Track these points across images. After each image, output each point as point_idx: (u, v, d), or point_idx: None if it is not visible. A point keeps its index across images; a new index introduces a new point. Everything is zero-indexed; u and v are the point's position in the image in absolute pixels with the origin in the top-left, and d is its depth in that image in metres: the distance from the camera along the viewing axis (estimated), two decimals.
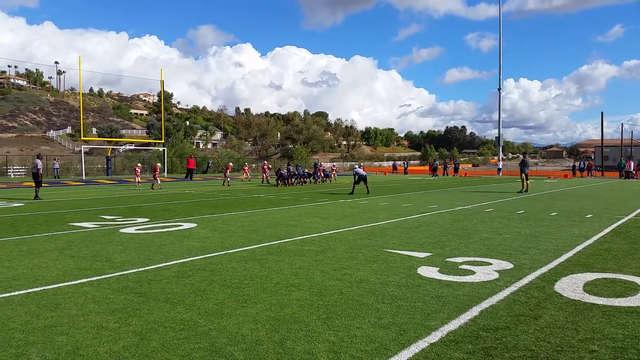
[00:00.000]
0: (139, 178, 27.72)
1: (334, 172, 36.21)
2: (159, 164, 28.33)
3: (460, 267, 6.54)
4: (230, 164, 33.27)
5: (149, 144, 66.20)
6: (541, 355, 3.67)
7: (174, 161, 48.55)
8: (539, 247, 8.01)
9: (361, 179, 22.19)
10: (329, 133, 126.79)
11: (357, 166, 25.76)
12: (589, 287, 5.51)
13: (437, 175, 46.58)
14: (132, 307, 4.83)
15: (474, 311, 4.66)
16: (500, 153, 52.11)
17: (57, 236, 9.40)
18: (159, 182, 25.46)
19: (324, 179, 33.20)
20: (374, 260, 6.99)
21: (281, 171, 29.04)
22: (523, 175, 22.33)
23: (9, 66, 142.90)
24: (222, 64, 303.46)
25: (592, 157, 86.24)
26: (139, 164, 32.06)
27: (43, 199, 18.26)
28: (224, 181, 29.65)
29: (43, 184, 22.85)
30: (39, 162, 19.46)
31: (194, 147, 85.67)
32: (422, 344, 3.86)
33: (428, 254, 7.41)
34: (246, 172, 35.83)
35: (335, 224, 11.08)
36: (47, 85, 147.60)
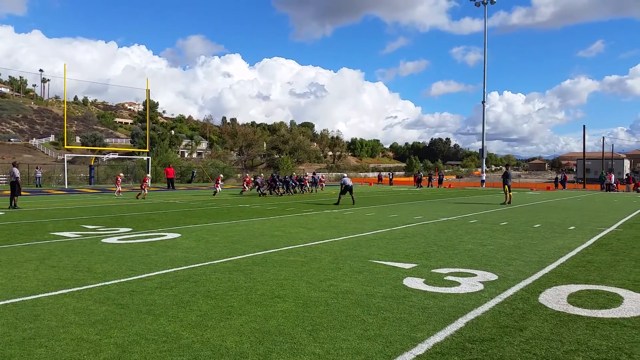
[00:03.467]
0: (119, 187, 27.43)
1: (322, 182, 36.16)
2: (148, 175, 28.19)
3: (445, 278, 6.55)
4: (221, 175, 32.80)
5: (133, 153, 65.64)
6: None
7: (158, 170, 48.11)
8: (523, 259, 8.05)
9: (347, 189, 22.22)
10: (315, 144, 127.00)
11: (344, 176, 25.60)
12: (573, 299, 5.54)
13: (421, 186, 46.83)
14: (114, 319, 4.73)
15: (460, 322, 4.65)
16: (484, 165, 52.59)
17: (37, 246, 9.22)
18: (145, 192, 25.20)
19: (310, 189, 33.18)
20: (360, 271, 6.97)
21: (257, 179, 29.06)
22: (506, 187, 22.53)
23: None
24: (210, 74, 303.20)
25: (575, 170, 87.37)
26: (121, 174, 31.75)
27: (23, 208, 17.92)
28: (215, 192, 28.95)
29: (23, 193, 22.47)
30: (16, 170, 18.69)
31: (178, 156, 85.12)
32: (408, 356, 3.84)
33: (414, 265, 7.41)
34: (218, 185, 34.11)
35: (321, 234, 11.05)
36: (31, 93, 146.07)
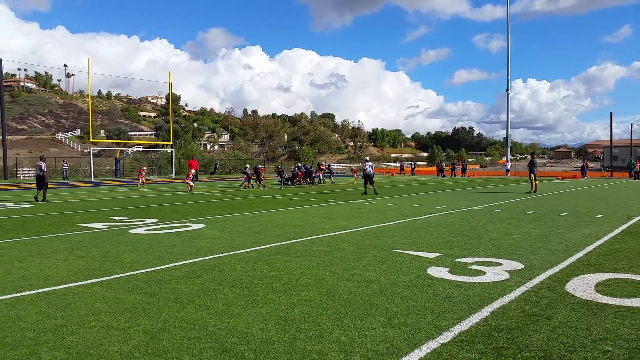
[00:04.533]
0: (142, 179, 28.05)
1: (320, 173, 34.50)
2: (144, 168, 29.41)
3: (470, 267, 6.50)
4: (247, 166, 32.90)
5: (157, 146, 66.47)
6: (554, 355, 3.63)
7: (182, 163, 48.64)
8: (549, 248, 7.94)
9: (366, 178, 21.32)
10: (336, 134, 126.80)
11: (366, 160, 23.33)
12: (601, 288, 5.46)
13: (444, 176, 46.44)
14: (142, 307, 4.83)
15: (485, 311, 4.62)
16: (509, 154, 51.87)
17: (66, 237, 9.44)
18: (141, 182, 26.18)
19: (322, 179, 32.90)
20: (383, 261, 6.97)
21: (280, 169, 29.25)
22: (532, 175, 22.19)
23: (18, 69, 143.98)
24: (230, 66, 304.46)
25: (601, 158, 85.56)
26: (144, 167, 32.35)
27: (51, 201, 18.29)
28: (243, 184, 28.77)
29: (51, 185, 22.91)
30: (43, 164, 18.67)
31: (201, 148, 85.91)
32: (433, 344, 3.83)
33: (437, 255, 7.37)
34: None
35: (343, 224, 11.06)
36: (56, 88, 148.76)
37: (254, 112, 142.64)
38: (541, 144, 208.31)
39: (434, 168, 49.11)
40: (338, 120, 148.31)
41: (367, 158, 24.75)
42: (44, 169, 18.61)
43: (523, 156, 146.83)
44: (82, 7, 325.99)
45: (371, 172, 21.50)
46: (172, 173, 44.48)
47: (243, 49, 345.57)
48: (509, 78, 50.28)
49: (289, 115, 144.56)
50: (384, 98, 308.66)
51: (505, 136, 51.52)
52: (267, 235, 9.52)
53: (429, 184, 30.75)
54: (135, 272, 6.36)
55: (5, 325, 4.33)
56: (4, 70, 43.84)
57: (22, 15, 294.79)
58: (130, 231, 10.11)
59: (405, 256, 7.30)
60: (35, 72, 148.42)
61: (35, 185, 18.91)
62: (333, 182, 32.72)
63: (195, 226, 10.83)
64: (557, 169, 71.45)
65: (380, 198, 19.02)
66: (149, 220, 12.00)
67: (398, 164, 77.62)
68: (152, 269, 6.57)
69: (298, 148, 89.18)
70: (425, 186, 28.37)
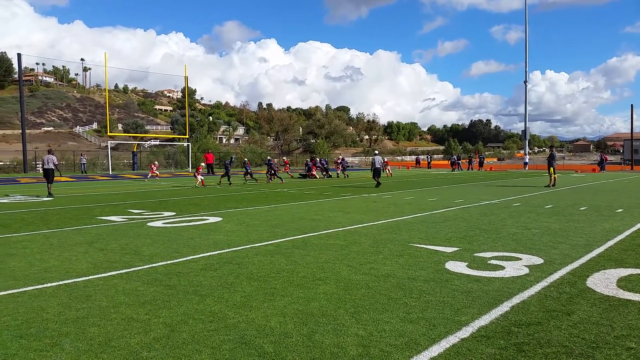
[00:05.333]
0: (155, 173, 28.48)
1: (315, 169, 34.54)
2: (156, 162, 29.96)
3: (489, 262, 6.45)
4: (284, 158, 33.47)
5: (173, 140, 66.96)
6: (576, 351, 3.58)
7: (198, 156, 48.96)
8: (569, 242, 7.84)
9: (375, 172, 21.61)
10: (351, 127, 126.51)
11: (376, 153, 23.44)
12: (623, 283, 5.37)
13: (458, 169, 46.07)
14: (162, 299, 4.88)
15: (505, 306, 4.58)
16: (527, 147, 51.29)
17: (86, 230, 9.56)
18: (152, 174, 26.50)
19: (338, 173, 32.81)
20: (400, 255, 6.94)
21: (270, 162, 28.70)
22: (551, 169, 21.90)
23: (37, 64, 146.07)
24: (246, 59, 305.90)
25: (621, 151, 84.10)
26: (156, 162, 32.83)
27: (55, 196, 17.62)
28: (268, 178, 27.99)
29: (69, 179, 23.18)
30: (54, 157, 18.27)
31: (217, 142, 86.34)
32: (452, 339, 3.81)
33: (455, 249, 7.32)
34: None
35: (359, 218, 11.04)
36: (74, 82, 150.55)
37: (269, 105, 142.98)
38: (559, 137, 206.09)
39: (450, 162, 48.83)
40: (353, 113, 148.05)
41: (377, 152, 24.97)
42: (56, 162, 18.29)
43: (541, 149, 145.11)
44: (100, 1, 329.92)
45: (379, 166, 21.91)
46: (189, 166, 44.80)
47: (258, 42, 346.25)
48: (527, 70, 49.68)
49: (303, 108, 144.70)
50: (400, 91, 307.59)
51: (523, 129, 50.97)
52: (283, 228, 9.55)
53: (446, 178, 30.55)
54: (154, 265, 6.42)
55: (29, 316, 4.41)
56: (23, 65, 44.39)
57: (41, 10, 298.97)
58: (149, 224, 10.20)
59: (423, 250, 7.26)
60: (53, 66, 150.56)
61: (45, 179, 18.25)
62: (346, 177, 32.64)
63: (212, 219, 10.89)
64: (576, 163, 70.48)
65: (396, 192, 18.95)
66: (166, 214, 12.11)
67: (414, 157, 77.27)
68: (171, 261, 6.63)
69: (313, 141, 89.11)
70: (442, 180, 28.18)
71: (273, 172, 27.18)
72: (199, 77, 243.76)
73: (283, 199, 15.89)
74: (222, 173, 31.73)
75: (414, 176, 33.10)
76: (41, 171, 19.63)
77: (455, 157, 50.47)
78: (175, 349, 3.65)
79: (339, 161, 34.80)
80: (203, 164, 28.22)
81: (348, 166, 36.92)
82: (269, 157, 33.29)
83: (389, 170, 32.75)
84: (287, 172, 33.27)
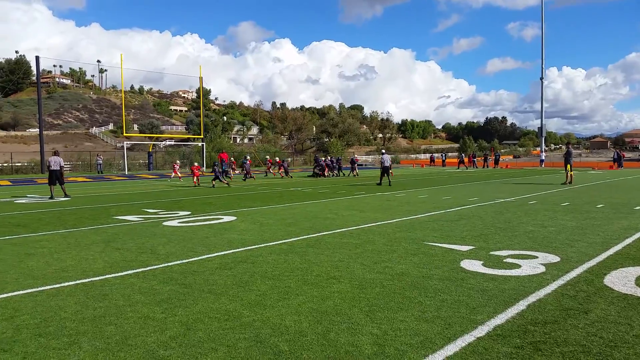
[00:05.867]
0: (178, 173, 28.56)
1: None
2: (178, 162, 30.08)
3: (505, 260, 6.39)
4: (267, 156, 33.68)
5: (188, 140, 67.41)
6: (594, 350, 3.54)
7: (212, 156, 49.21)
8: (586, 240, 7.75)
9: (384, 170, 21.96)
10: (365, 126, 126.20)
11: (383, 153, 23.77)
12: None
13: (473, 167, 45.71)
14: (178, 298, 4.92)
15: (521, 305, 4.54)
16: (543, 144, 50.76)
17: (102, 229, 9.67)
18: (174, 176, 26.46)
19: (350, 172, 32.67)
20: (415, 254, 6.91)
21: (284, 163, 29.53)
22: (568, 166, 21.62)
23: (54, 66, 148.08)
24: (260, 59, 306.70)
25: (639, 147, 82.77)
26: (177, 161, 32.98)
27: (56, 198, 17.05)
28: (266, 173, 30.34)
29: (85, 179, 23.38)
30: (60, 159, 17.91)
31: (231, 142, 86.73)
32: (468, 337, 3.79)
33: (471, 247, 7.27)
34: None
35: (373, 216, 11.01)
36: (90, 84, 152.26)
37: (283, 104, 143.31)
38: (576, 134, 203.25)
39: (465, 159, 48.33)
40: (367, 111, 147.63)
41: (384, 151, 25.59)
42: (62, 164, 18.01)
43: (557, 146, 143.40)
44: (116, 4, 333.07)
45: (388, 165, 22.28)
46: (203, 166, 45.05)
47: (272, 42, 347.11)
48: (543, 66, 49.14)
49: (317, 107, 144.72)
50: (414, 89, 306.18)
51: (539, 126, 50.42)
52: (297, 227, 9.56)
53: (460, 176, 30.34)
54: (170, 264, 6.47)
55: (47, 315, 4.47)
56: (41, 68, 45.01)
57: (59, 13, 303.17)
58: (164, 223, 10.29)
59: (438, 249, 7.22)
60: (70, 68, 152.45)
61: (49, 182, 17.63)
62: (356, 175, 32.47)
63: (226, 218, 10.95)
64: (593, 160, 69.53)
65: (410, 190, 18.87)
66: (182, 213, 12.19)
67: (428, 155, 76.83)
68: (186, 260, 6.67)
69: (326, 140, 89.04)
70: (457, 178, 28.00)
71: (246, 171, 27.95)
72: (214, 78, 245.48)
73: (297, 198, 15.91)
74: (273, 172, 32.21)
75: (428, 174, 32.94)
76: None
77: (462, 155, 49.92)
78: (191, 348, 3.68)
79: (357, 160, 34.77)
80: (196, 163, 28.55)
81: (360, 165, 36.86)
82: (246, 155, 33.09)
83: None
84: (269, 170, 33.17)
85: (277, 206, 13.56)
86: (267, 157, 37.10)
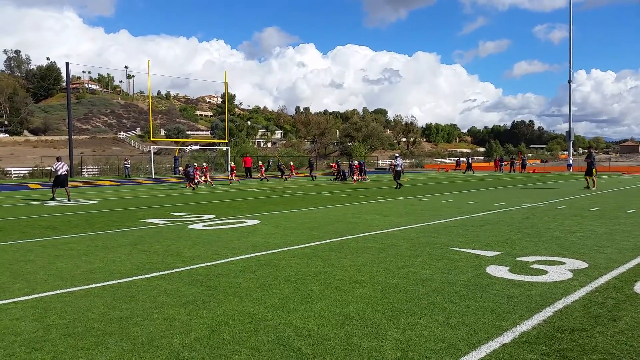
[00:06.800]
0: (207, 177, 28.88)
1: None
2: (196, 164, 30.35)
3: (531, 266, 6.29)
4: (291, 162, 33.85)
5: (213, 144, 68.12)
6: (623, 359, 3.46)
7: (237, 160, 49.69)
8: (616, 246, 7.57)
9: (396, 174, 22.19)
10: (388, 130, 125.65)
11: (396, 156, 23.92)
12: None
13: (499, 171, 45.07)
14: (203, 300, 4.98)
15: (548, 312, 4.46)
16: (571, 148, 49.80)
17: (129, 232, 9.84)
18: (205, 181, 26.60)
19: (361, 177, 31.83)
20: (439, 259, 6.85)
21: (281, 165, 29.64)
22: (594, 170, 21.06)
23: (83, 72, 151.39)
24: (284, 64, 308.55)
25: None
26: (204, 163, 33.32)
27: (57, 199, 18.01)
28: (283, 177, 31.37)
29: (113, 183, 23.73)
30: (65, 164, 18.83)
31: (255, 146, 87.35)
32: (493, 344, 3.74)
33: (497, 253, 7.18)
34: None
35: (397, 221, 10.96)
36: (118, 89, 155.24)
37: (306, 109, 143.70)
38: (605, 138, 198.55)
39: (492, 163, 47.49)
40: (390, 115, 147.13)
41: (397, 155, 25.54)
42: (68, 168, 18.93)
43: (586, 150, 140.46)
44: (144, 11, 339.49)
45: (400, 169, 22.52)
46: (228, 170, 45.43)
47: (297, 47, 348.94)
48: (571, 69, 48.32)
49: (340, 111, 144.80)
50: (439, 92, 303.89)
51: (567, 130, 49.51)
52: (320, 231, 9.57)
53: (487, 180, 29.96)
54: (195, 266, 6.55)
55: (76, 316, 4.57)
56: (70, 74, 46.09)
57: (89, 21, 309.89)
58: (190, 227, 10.42)
59: (463, 254, 7.15)
60: (99, 74, 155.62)
61: (53, 185, 18.60)
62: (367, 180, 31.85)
63: (250, 222, 11.03)
64: (623, 164, 67.85)
65: (434, 195, 18.72)
66: (206, 216, 12.33)
67: (453, 159, 76.05)
68: (211, 263, 6.75)
69: (350, 144, 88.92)
70: (483, 182, 27.66)
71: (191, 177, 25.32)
72: (239, 83, 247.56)
73: (320, 202, 15.93)
74: (259, 176, 32.44)
75: (454, 179, 32.62)
76: (86, 175, 20.01)
77: (467, 158, 48.87)
78: (216, 349, 3.72)
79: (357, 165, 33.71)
80: (195, 164, 28.90)
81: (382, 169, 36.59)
82: (194, 164, 31.77)
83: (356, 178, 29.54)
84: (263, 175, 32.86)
85: (299, 210, 13.59)
86: (260, 162, 36.85)
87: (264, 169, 33.44)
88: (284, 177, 33.04)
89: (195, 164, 28.86)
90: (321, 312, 4.58)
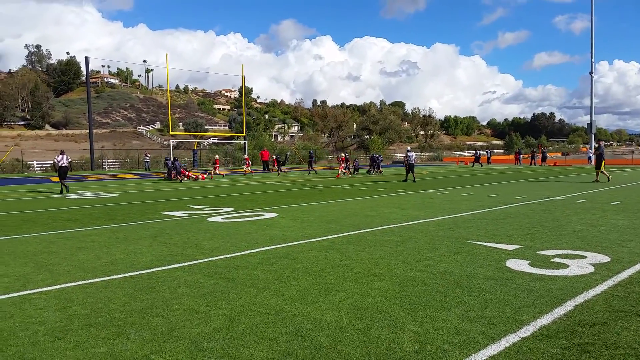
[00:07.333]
0: (217, 171, 29.20)
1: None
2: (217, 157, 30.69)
3: (552, 260, 6.22)
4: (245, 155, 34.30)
5: (231, 138, 68.48)
6: None
7: (254, 153, 49.86)
8: (639, 240, 7.44)
9: (409, 167, 22.22)
10: (406, 123, 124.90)
11: (408, 150, 24.04)
12: None
13: (518, 164, 44.53)
14: (222, 292, 5.02)
15: (569, 305, 4.41)
16: (593, 141, 48.94)
17: (150, 224, 9.96)
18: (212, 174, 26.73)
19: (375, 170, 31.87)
20: (458, 252, 6.81)
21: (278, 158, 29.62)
22: (603, 163, 20.75)
23: (102, 66, 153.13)
24: (301, 57, 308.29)
25: None
26: (216, 155, 33.74)
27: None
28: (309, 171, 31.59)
29: (133, 176, 24.03)
30: (67, 157, 19.37)
31: (272, 139, 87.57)
32: (513, 338, 3.71)
33: (517, 247, 7.10)
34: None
35: (415, 214, 10.91)
36: (137, 83, 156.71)
37: (323, 102, 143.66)
38: (628, 130, 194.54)
39: (512, 156, 46.76)
40: (408, 108, 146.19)
41: (409, 148, 26.07)
42: (69, 160, 19.56)
43: (608, 143, 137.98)
44: (162, 5, 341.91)
45: (413, 162, 22.69)
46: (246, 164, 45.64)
47: (313, 39, 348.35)
48: (593, 60, 47.36)
49: (357, 104, 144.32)
50: (458, 84, 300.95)
51: (588, 122, 48.68)
52: (337, 224, 9.58)
53: (507, 173, 29.63)
54: (214, 258, 6.61)
55: (97, 306, 4.65)
56: (90, 68, 46.66)
57: (108, 15, 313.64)
58: (209, 219, 10.50)
59: (482, 248, 7.09)
60: (118, 68, 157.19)
61: (59, 178, 19.03)
62: (381, 173, 31.76)
63: (268, 215, 11.08)
64: None
65: (454, 188, 18.58)
66: (225, 209, 12.42)
67: (472, 152, 75.26)
68: (230, 255, 6.80)
69: (367, 137, 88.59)
70: (503, 175, 27.37)
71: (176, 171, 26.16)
72: (256, 76, 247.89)
73: (337, 195, 15.93)
74: (273, 169, 32.62)
75: (473, 172, 32.33)
76: (107, 169, 20.67)
77: (478, 152, 48.09)
78: (234, 340, 3.75)
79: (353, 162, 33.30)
80: (216, 156, 29.44)
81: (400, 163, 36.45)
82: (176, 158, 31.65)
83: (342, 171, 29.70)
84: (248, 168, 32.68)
85: (317, 203, 13.61)
86: (245, 155, 36.84)
87: (277, 162, 33.38)
88: (279, 171, 32.47)
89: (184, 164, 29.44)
90: (339, 304, 4.59)
